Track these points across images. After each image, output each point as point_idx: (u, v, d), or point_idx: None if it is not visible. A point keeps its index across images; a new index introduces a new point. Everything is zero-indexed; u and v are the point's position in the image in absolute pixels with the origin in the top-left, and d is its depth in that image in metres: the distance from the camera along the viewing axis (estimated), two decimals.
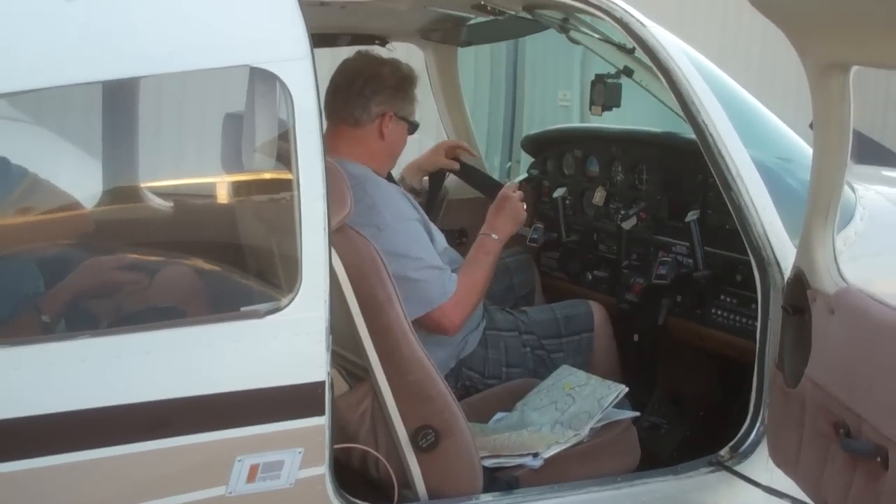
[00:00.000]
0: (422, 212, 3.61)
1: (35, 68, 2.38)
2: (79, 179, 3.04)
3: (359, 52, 3.71)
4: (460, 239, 4.28)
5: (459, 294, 3.44)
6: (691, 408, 3.95)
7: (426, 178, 4.39)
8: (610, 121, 4.27)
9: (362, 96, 3.52)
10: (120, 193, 3.16)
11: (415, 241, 3.44)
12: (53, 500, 2.40)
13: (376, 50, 4.05)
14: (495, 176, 4.98)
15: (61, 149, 3.14)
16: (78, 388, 2.37)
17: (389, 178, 3.79)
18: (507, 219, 3.70)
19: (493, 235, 3.64)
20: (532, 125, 6.91)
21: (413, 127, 3.62)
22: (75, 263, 2.77)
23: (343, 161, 3.42)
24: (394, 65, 3.62)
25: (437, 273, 3.43)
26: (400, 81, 3.57)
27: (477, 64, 8.41)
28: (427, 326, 3.41)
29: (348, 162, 3.44)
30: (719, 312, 3.71)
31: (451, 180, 4.53)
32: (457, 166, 4.31)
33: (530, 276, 4.33)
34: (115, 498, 2.45)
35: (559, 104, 9.18)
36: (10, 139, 2.81)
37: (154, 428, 2.44)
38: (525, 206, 3.82)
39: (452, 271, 3.52)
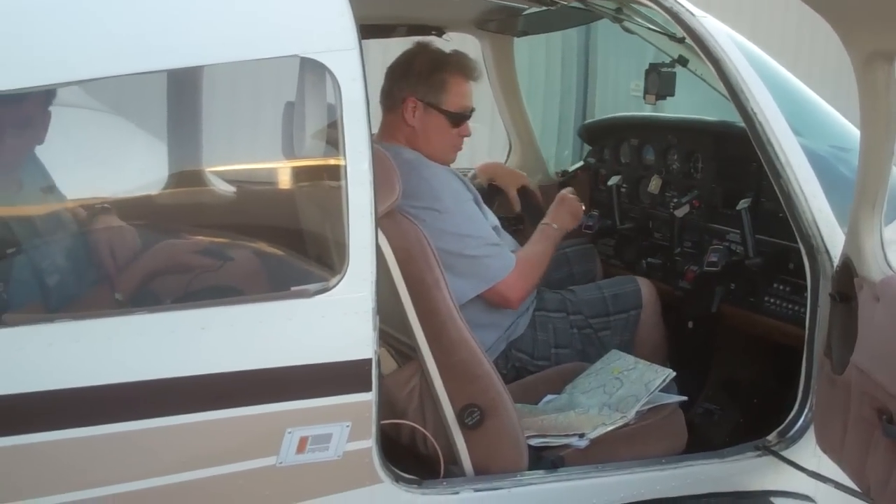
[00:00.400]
0: (474, 191, 3.71)
1: (94, 59, 2.50)
2: (146, 165, 3.19)
3: (418, 42, 3.79)
4: (517, 226, 4.35)
5: (521, 269, 3.58)
6: (745, 394, 3.97)
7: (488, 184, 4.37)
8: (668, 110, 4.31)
9: (392, 80, 3.63)
10: (184, 178, 3.30)
11: (473, 220, 3.56)
12: (114, 466, 2.53)
13: (433, 41, 4.14)
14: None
15: (130, 136, 3.29)
16: (136, 361, 2.50)
17: None
18: (566, 213, 3.87)
19: (554, 225, 3.80)
20: (604, 115, 6.92)
21: (452, 117, 3.64)
22: (147, 245, 2.92)
23: (398, 148, 3.53)
24: (432, 52, 3.69)
25: (497, 249, 3.56)
26: (430, 68, 3.61)
27: (548, 54, 8.46)
28: (491, 301, 3.55)
29: (402, 148, 3.56)
30: (772, 300, 3.72)
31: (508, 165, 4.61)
32: (517, 207, 4.28)
33: (591, 266, 4.38)
34: (171, 466, 2.58)
35: (631, 94, 9.18)
36: (83, 127, 2.97)
37: (208, 400, 2.56)
38: (582, 206, 3.99)
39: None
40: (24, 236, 2.73)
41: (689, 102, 4.42)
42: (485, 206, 3.74)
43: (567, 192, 3.98)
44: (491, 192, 4.26)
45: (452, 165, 3.78)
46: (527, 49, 8.05)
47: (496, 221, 3.75)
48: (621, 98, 8.74)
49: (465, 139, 3.74)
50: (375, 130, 3.45)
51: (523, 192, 4.26)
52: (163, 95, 3.27)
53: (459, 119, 3.66)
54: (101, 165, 3.00)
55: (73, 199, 2.90)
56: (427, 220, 3.30)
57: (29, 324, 2.48)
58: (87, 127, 2.93)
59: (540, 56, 8.44)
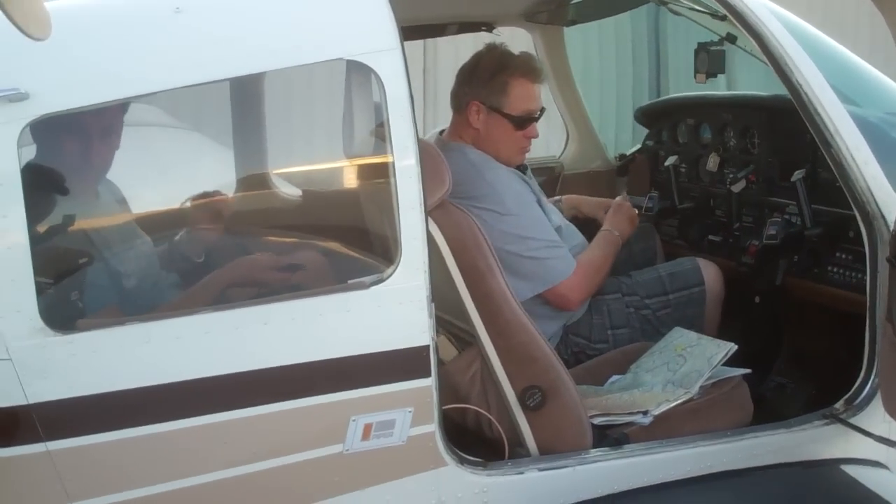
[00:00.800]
0: (538, 191, 3.76)
1: (151, 74, 2.66)
2: (211, 169, 3.34)
3: (488, 44, 3.83)
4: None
5: (582, 270, 3.63)
6: (817, 366, 3.96)
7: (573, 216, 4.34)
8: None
9: (458, 82, 3.72)
10: (245, 181, 3.44)
11: (536, 222, 3.61)
12: (190, 458, 2.67)
13: (483, 36, 4.22)
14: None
15: (194, 143, 3.45)
16: (203, 358, 2.63)
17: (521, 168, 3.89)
18: (624, 220, 3.93)
19: (615, 232, 3.84)
20: None
21: (514, 120, 3.67)
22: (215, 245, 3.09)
23: (464, 148, 3.62)
24: (497, 55, 3.72)
25: (559, 251, 3.61)
26: (492, 71, 3.65)
27: (618, 41, 8.48)
28: (552, 301, 3.60)
29: (468, 149, 3.64)
30: (836, 269, 3.71)
31: (566, 154, 4.67)
32: None
33: (651, 243, 4.38)
34: (244, 456, 2.70)
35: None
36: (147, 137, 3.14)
37: (274, 393, 2.68)
38: (636, 211, 4.05)
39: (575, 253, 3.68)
40: (101, 244, 2.90)
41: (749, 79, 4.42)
42: (549, 206, 3.78)
43: (622, 198, 4.03)
44: (576, 222, 4.23)
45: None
46: (596, 36, 8.14)
47: (560, 221, 3.78)
48: (693, 84, 8.72)
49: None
50: (423, 126, 3.54)
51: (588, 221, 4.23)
52: (223, 104, 3.43)
53: (523, 122, 3.69)
54: (168, 173, 3.16)
55: (144, 207, 3.06)
56: (489, 220, 3.38)
57: (102, 328, 2.63)
58: (152, 137, 3.08)
59: (610, 43, 8.47)
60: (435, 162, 2.97)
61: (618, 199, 4.05)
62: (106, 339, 2.60)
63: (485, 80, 3.66)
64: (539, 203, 3.71)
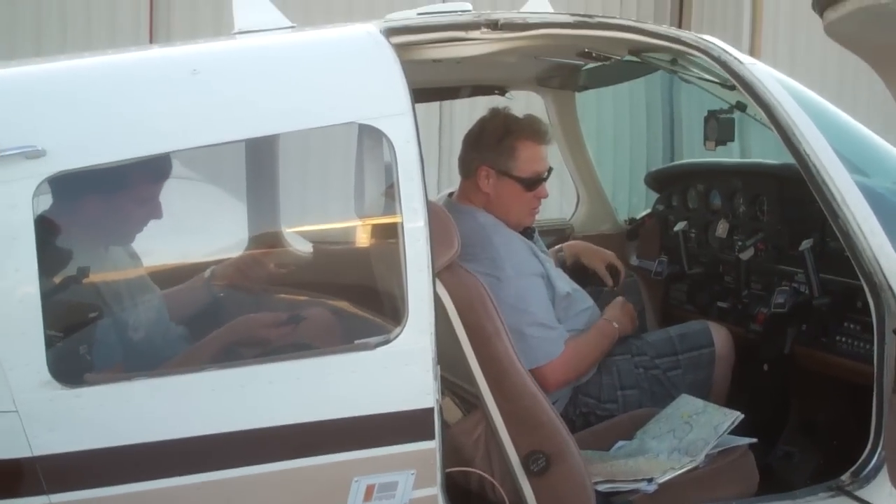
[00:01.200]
0: (546, 263, 3.73)
1: (167, 133, 2.72)
2: (226, 227, 3.40)
3: (491, 109, 3.88)
4: (601, 286, 4.37)
5: (567, 358, 3.56)
6: (824, 436, 3.94)
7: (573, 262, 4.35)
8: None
9: (466, 148, 3.75)
10: (256, 239, 3.49)
11: (531, 295, 3.58)
12: None
13: (496, 100, 4.27)
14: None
15: (209, 201, 3.49)
16: (208, 415, 2.65)
17: (528, 231, 3.91)
18: (626, 317, 3.85)
19: (615, 324, 3.78)
20: None
21: (524, 183, 3.69)
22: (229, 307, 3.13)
23: (475, 211, 3.65)
24: (502, 119, 3.75)
25: (547, 332, 3.55)
26: (499, 135, 3.68)
27: (632, 104, 8.56)
28: None
29: (479, 212, 3.66)
30: (844, 339, 3.71)
31: (577, 216, 4.72)
32: (610, 282, 4.24)
33: (636, 298, 4.38)
34: None
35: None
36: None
37: (278, 451, 2.69)
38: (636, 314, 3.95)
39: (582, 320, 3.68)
40: (112, 299, 2.94)
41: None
42: (556, 272, 3.76)
43: (622, 300, 3.92)
44: (576, 269, 4.27)
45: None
46: (610, 99, 8.23)
47: (569, 287, 3.75)
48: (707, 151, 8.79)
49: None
50: (438, 184, 3.58)
51: (611, 269, 4.25)
52: (237, 164, 3.48)
53: (532, 183, 3.71)
54: (180, 229, 3.21)
55: (155, 263, 3.10)
56: (487, 285, 3.37)
57: (109, 382, 2.65)
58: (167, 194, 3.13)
59: (624, 106, 8.56)
60: (444, 224, 3.00)
61: (620, 298, 3.95)
62: (113, 393, 2.62)
63: (492, 145, 3.69)
64: (545, 270, 3.68)
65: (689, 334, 3.89)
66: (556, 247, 4.35)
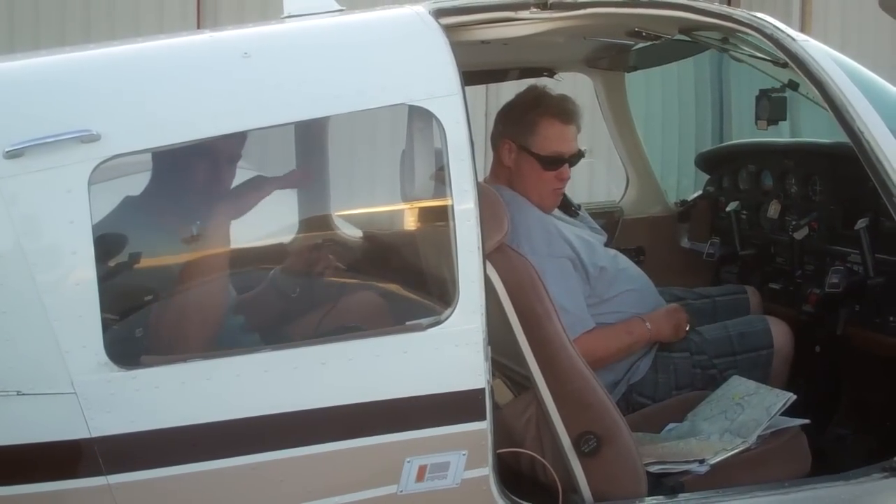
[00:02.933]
0: (575, 242, 3.64)
1: (217, 117, 2.74)
2: (278, 210, 3.42)
3: (530, 85, 3.88)
4: (638, 257, 4.39)
5: (581, 347, 3.30)
6: (878, 417, 3.89)
7: None
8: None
9: (496, 122, 3.75)
10: (310, 222, 3.51)
11: (547, 277, 3.33)
12: (246, 495, 2.71)
13: (544, 81, 4.25)
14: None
15: None
16: (262, 396, 2.68)
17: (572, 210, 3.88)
18: (669, 325, 3.72)
19: (648, 325, 3.67)
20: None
21: (542, 160, 3.65)
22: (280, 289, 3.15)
23: (499, 188, 3.62)
24: (532, 94, 3.73)
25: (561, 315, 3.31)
26: (524, 109, 3.67)
27: (681, 85, 8.49)
28: None
29: (503, 188, 3.64)
30: None
31: (626, 199, 4.68)
32: None
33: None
34: (300, 494, 2.73)
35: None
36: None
37: (330, 431, 2.72)
38: (689, 325, 3.79)
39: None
40: (166, 283, 2.98)
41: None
42: (593, 249, 3.70)
43: (676, 306, 3.79)
44: None
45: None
46: (659, 80, 8.16)
47: (608, 262, 3.70)
48: (755, 128, 8.69)
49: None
50: (484, 169, 3.57)
51: None
52: (287, 146, 3.50)
53: (551, 163, 3.66)
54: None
55: (207, 245, 3.13)
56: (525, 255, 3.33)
57: (164, 364, 2.69)
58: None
59: (672, 87, 8.48)
60: (494, 206, 3.00)
61: (676, 304, 3.83)
62: (168, 375, 2.66)
63: (516, 119, 3.68)
64: (572, 251, 3.60)
65: (749, 334, 3.82)
66: None
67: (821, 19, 8.90)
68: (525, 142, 3.66)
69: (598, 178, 6.98)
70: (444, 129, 2.80)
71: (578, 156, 3.74)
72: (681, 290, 4.16)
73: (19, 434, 2.58)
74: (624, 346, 3.65)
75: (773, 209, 4.35)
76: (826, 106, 3.28)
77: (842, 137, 3.77)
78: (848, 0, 8.78)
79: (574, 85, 4.25)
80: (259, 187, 3.07)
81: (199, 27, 7.73)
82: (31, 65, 3.04)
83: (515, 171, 3.69)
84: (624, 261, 3.85)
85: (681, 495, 3.13)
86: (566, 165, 3.69)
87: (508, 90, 7.32)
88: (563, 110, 3.69)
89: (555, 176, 3.69)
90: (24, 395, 2.56)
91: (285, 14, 3.30)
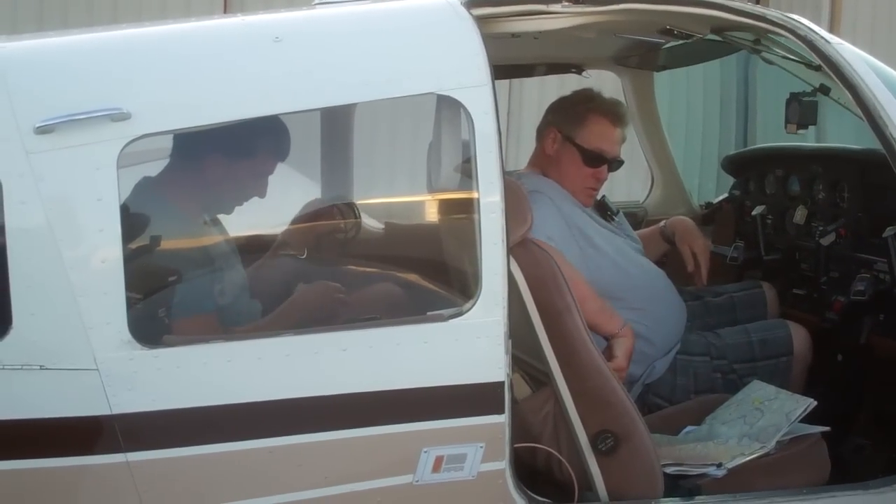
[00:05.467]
0: (618, 229, 3.69)
1: (248, 99, 2.74)
2: (300, 197, 3.42)
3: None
4: (661, 258, 4.36)
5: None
6: None
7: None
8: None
9: (545, 113, 3.78)
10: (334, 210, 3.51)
11: None
12: (263, 478, 2.70)
13: (569, 81, 4.25)
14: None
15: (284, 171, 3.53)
16: (283, 380, 2.68)
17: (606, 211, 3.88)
18: (627, 358, 3.34)
19: (625, 329, 3.35)
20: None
21: (585, 154, 3.68)
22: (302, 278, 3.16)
23: (529, 175, 3.63)
24: (587, 92, 3.78)
25: None
26: (575, 101, 3.72)
27: (706, 87, 8.44)
28: None
29: (530, 175, 3.66)
30: None
31: (650, 199, 4.65)
32: (691, 265, 4.07)
33: (759, 312, 4.19)
34: (317, 480, 2.73)
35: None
36: None
37: (349, 418, 2.72)
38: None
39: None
40: (191, 264, 2.99)
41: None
42: (625, 248, 3.72)
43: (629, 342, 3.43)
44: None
45: None
46: (684, 82, 8.12)
47: (618, 242, 3.71)
48: (781, 133, 8.63)
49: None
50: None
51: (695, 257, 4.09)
52: (313, 133, 3.51)
53: (593, 158, 3.69)
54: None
55: (232, 230, 3.14)
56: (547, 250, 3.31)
57: (187, 344, 2.69)
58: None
59: (697, 89, 8.44)
60: (518, 199, 2.99)
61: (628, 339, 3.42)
62: (190, 355, 2.67)
63: (566, 109, 3.73)
64: (582, 248, 3.60)
65: (769, 341, 3.80)
66: (662, 223, 4.30)
67: (850, 19, 8.83)
68: (571, 132, 3.69)
69: (617, 178, 6.95)
70: (472, 120, 2.79)
71: (618, 162, 3.77)
72: (696, 288, 4.16)
73: (41, 408, 2.59)
74: (596, 308, 3.29)
75: (800, 215, 4.31)
76: (858, 111, 3.26)
77: (870, 143, 3.77)
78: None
79: (598, 85, 4.21)
80: None
81: (225, 13, 7.75)
82: (63, 42, 3.06)
83: (555, 161, 3.72)
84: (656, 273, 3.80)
85: (697, 498, 3.11)
86: (605, 167, 3.72)
87: (530, 92, 7.37)
88: (615, 112, 3.75)
89: (592, 174, 3.71)
90: (47, 369, 2.57)
91: (317, 1, 3.31)
